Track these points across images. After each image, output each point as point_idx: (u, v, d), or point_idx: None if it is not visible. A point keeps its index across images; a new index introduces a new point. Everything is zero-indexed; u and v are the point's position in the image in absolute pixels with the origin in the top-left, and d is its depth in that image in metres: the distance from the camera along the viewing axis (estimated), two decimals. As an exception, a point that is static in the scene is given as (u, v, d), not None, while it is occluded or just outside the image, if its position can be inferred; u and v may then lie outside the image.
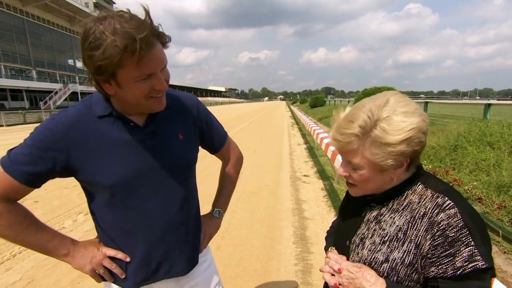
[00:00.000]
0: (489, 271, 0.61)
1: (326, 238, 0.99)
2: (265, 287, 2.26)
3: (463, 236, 0.60)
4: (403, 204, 0.71)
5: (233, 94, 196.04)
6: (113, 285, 0.92)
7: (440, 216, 0.63)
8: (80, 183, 0.87)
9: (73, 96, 36.85)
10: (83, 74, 43.09)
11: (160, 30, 0.72)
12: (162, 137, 0.87)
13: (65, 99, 34.96)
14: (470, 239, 0.60)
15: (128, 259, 0.89)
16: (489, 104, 7.61)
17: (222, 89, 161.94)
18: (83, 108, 0.81)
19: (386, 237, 0.70)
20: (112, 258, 0.89)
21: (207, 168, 5.54)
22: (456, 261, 0.60)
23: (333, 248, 0.86)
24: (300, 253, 2.72)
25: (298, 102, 64.54)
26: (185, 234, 0.95)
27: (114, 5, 53.68)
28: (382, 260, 0.69)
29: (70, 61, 43.58)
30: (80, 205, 4.02)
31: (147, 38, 0.66)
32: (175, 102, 0.92)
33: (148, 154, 0.84)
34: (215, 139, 1.07)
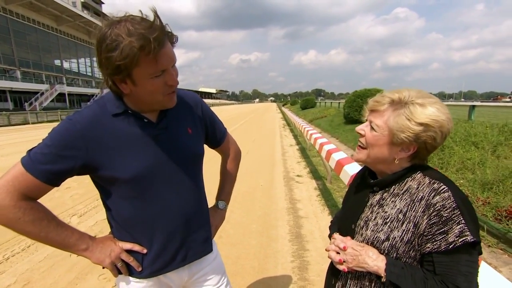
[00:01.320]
0: (477, 247, 0.70)
1: (330, 227, 1.07)
2: (263, 283, 2.31)
3: (455, 216, 0.69)
4: (403, 189, 0.79)
5: (223, 95, 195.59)
6: (131, 278, 0.96)
7: (436, 198, 0.71)
8: (95, 180, 0.90)
9: (60, 97, 36.02)
10: (70, 75, 42.07)
11: (169, 29, 0.78)
12: (174, 132, 0.93)
13: (52, 100, 34.16)
14: (461, 218, 0.68)
15: (145, 251, 0.93)
16: (474, 106, 7.91)
17: (213, 90, 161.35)
18: (98, 108, 0.85)
19: (388, 219, 0.78)
20: (128, 252, 0.93)
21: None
22: (449, 237, 0.69)
23: (337, 233, 0.93)
24: (296, 250, 2.79)
25: (289, 103, 64.98)
26: (199, 222, 1.01)
27: (102, 5, 52.77)
28: (383, 239, 0.77)
29: (57, 62, 42.48)
30: (73, 207, 3.97)
31: (159, 37, 0.72)
32: (181, 100, 0.98)
33: (163, 148, 0.89)
34: (217, 134, 1.14)
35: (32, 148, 0.80)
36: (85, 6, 44.88)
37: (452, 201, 0.70)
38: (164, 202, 0.91)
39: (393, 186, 0.81)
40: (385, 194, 0.82)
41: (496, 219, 3.09)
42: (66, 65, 42.76)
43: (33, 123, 23.40)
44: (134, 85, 0.78)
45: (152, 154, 0.88)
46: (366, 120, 0.84)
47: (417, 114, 0.72)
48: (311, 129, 7.05)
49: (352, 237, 0.86)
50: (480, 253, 0.72)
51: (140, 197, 0.89)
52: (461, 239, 0.68)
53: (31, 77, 36.63)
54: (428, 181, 0.76)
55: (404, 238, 0.75)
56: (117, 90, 0.81)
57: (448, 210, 0.69)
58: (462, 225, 0.68)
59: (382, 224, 0.79)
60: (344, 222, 0.93)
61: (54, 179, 0.80)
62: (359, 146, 0.85)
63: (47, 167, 0.78)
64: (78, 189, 4.76)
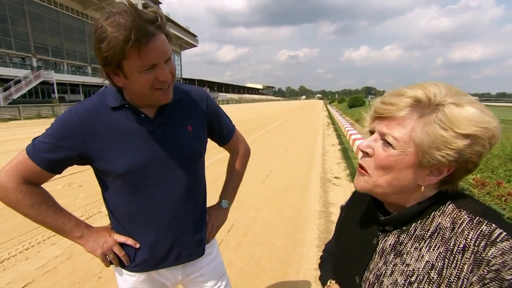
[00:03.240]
0: None
1: (321, 266, 0.86)
2: (283, 289, 2.22)
3: None
4: (429, 229, 0.56)
5: (270, 91, 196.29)
6: (124, 270, 0.98)
7: (491, 251, 0.47)
8: (94, 172, 0.92)
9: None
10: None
11: (163, 20, 0.75)
12: (171, 128, 0.91)
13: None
14: None
15: (137, 246, 0.93)
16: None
17: (260, 86, 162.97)
18: (98, 100, 0.86)
19: (413, 277, 0.54)
20: (122, 245, 0.94)
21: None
22: None
23: (333, 282, 0.73)
24: (323, 258, 2.62)
25: (336, 101, 62.48)
26: (192, 223, 0.98)
27: (160, 5, 56.68)
28: None
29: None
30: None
31: (145, 29, 0.69)
32: (185, 95, 0.96)
33: (158, 144, 0.88)
34: (224, 132, 1.10)
35: (37, 137, 0.84)
36: (144, 6, 48.74)
37: None
38: (156, 199, 0.90)
39: (414, 224, 0.57)
40: (403, 236, 0.58)
41: None
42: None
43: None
44: (126, 79, 0.77)
45: (147, 150, 0.87)
46: (373, 131, 0.59)
47: (458, 120, 0.49)
48: (351, 130, 6.62)
49: None
50: None
51: (133, 192, 0.89)
52: None
53: (99, 72, 41.20)
54: (469, 219, 0.52)
55: None
56: (112, 83, 0.81)
57: None
58: None
59: (405, 285, 0.55)
60: (343, 270, 0.70)
61: (53, 167, 0.84)
62: (362, 169, 0.60)
63: (47, 155, 0.81)
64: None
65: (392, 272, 0.57)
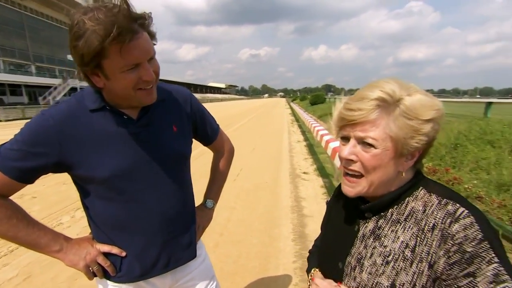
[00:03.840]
0: None
1: (309, 259, 0.89)
2: (263, 284, 2.25)
3: (483, 251, 0.51)
4: (404, 213, 0.61)
5: (233, 90, 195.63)
6: (109, 282, 0.91)
7: (455, 227, 0.53)
8: (73, 179, 0.85)
9: (73, 91, 36.33)
10: (82, 69, 42.81)
11: (146, 18, 0.71)
12: (156, 129, 0.87)
13: (65, 95, 34.73)
14: (493, 254, 0.50)
15: (123, 254, 0.88)
16: (490, 103, 7.58)
17: (222, 85, 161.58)
18: (75, 102, 0.80)
19: (390, 256, 0.59)
20: (106, 254, 0.88)
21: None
22: (478, 282, 0.50)
23: (316, 270, 0.77)
24: (299, 250, 2.71)
25: (298, 99, 64.43)
26: (182, 226, 0.95)
27: None
28: (387, 285, 0.58)
29: (70, 56, 43.06)
30: (78, 201, 3.93)
31: (128, 25, 0.65)
32: (169, 95, 0.92)
33: (143, 146, 0.84)
34: (208, 132, 1.08)
35: (3, 144, 0.75)
36: (97, 0, 45.46)
37: (477, 230, 0.52)
38: (143, 204, 0.86)
39: (390, 210, 0.63)
40: (381, 221, 0.63)
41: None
42: (78, 60, 43.57)
43: (46, 116, 23.91)
44: (106, 79, 0.72)
45: (131, 153, 0.82)
46: (346, 138, 0.62)
47: (418, 109, 0.55)
48: (317, 126, 6.91)
49: (341, 281, 0.67)
50: None
51: (117, 198, 0.83)
52: (499, 286, 0.49)
53: (45, 72, 37.52)
54: (437, 201, 0.58)
55: (417, 284, 0.55)
56: (91, 84, 0.75)
57: (473, 243, 0.51)
58: (495, 264, 0.50)
59: (382, 264, 0.60)
60: (327, 258, 0.74)
61: (24, 177, 0.76)
62: (350, 175, 0.63)
63: (17, 164, 0.73)
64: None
65: (371, 255, 0.62)
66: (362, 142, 0.59)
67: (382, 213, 0.64)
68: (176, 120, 0.93)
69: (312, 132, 7.81)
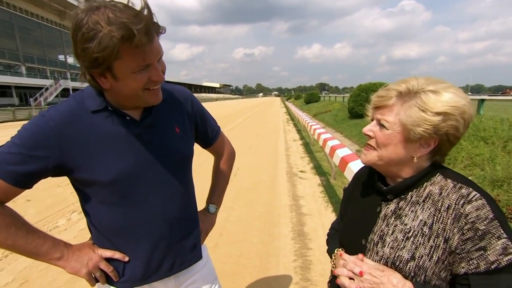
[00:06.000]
0: None
1: (328, 241, 0.95)
2: (265, 283, 2.24)
3: (493, 228, 0.58)
4: (422, 195, 0.68)
5: (227, 90, 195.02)
6: (111, 287, 0.89)
7: (467, 208, 0.61)
8: (73, 183, 0.83)
9: (65, 92, 36.13)
10: (75, 70, 42.29)
11: (155, 20, 0.69)
12: (159, 130, 0.85)
13: (56, 96, 34.29)
14: (502, 231, 0.58)
15: (126, 259, 0.86)
16: (483, 100, 7.70)
17: (217, 85, 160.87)
18: (75, 103, 0.77)
19: (410, 233, 0.67)
20: (109, 260, 0.86)
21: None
22: (488, 254, 0.58)
23: (340, 249, 0.82)
24: (299, 249, 2.72)
25: (292, 98, 64.57)
26: (186, 229, 0.93)
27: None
28: (407, 258, 0.66)
29: (61, 57, 42.60)
30: (74, 203, 3.94)
31: (146, 28, 0.64)
32: (169, 95, 0.91)
33: (146, 148, 0.82)
34: (209, 133, 1.06)
35: (0, 147, 0.72)
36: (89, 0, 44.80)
37: (488, 210, 0.59)
38: (147, 208, 0.84)
39: (410, 193, 0.70)
40: (402, 202, 0.71)
41: (507, 218, 2.98)
42: (70, 60, 42.93)
43: (38, 118, 23.50)
44: (115, 80, 0.70)
45: (134, 155, 0.80)
46: (372, 119, 0.74)
47: (431, 102, 0.62)
48: (314, 124, 6.94)
49: (364, 255, 0.74)
50: None
51: (121, 202, 0.81)
52: (507, 258, 0.57)
53: (36, 73, 36.85)
54: (452, 185, 0.65)
55: (434, 256, 0.63)
56: (96, 85, 0.73)
57: (485, 222, 0.59)
58: (504, 239, 0.58)
59: (403, 240, 0.67)
60: (350, 237, 0.81)
61: (23, 181, 0.73)
62: (368, 146, 0.74)
63: (16, 168, 0.70)
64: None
65: (393, 232, 0.70)
66: (379, 123, 0.70)
67: (402, 196, 0.71)
68: (179, 120, 0.91)
69: (308, 130, 7.84)
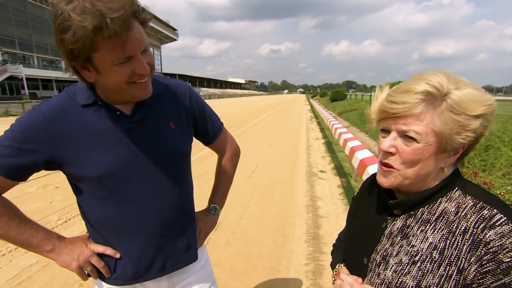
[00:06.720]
0: None
1: (333, 253, 0.88)
2: (273, 286, 2.18)
3: None
4: (435, 213, 0.59)
5: (252, 86, 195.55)
6: (103, 283, 0.89)
7: (489, 233, 0.51)
8: (66, 177, 0.82)
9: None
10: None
11: (139, 6, 0.65)
12: (151, 126, 0.82)
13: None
14: None
15: (118, 256, 0.85)
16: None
17: (242, 81, 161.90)
18: (66, 97, 0.76)
19: (417, 256, 0.58)
20: (101, 255, 0.85)
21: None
22: None
23: (342, 265, 0.75)
24: (312, 252, 2.62)
25: (318, 95, 63.28)
26: (179, 229, 0.90)
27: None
28: (412, 286, 0.57)
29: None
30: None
31: (122, 17, 0.59)
32: (166, 89, 0.87)
33: (137, 144, 0.79)
34: (209, 130, 1.00)
35: None
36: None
37: None
38: (137, 205, 0.81)
39: (421, 209, 0.61)
40: (410, 220, 0.62)
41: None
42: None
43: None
44: (97, 73, 0.67)
45: (123, 151, 0.77)
46: (387, 131, 0.60)
47: (467, 104, 0.53)
48: (336, 123, 6.71)
49: (364, 276, 0.66)
50: None
51: (110, 198, 0.79)
52: None
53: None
54: (472, 203, 0.55)
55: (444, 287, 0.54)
56: (81, 78, 0.71)
57: (511, 254, 0.49)
58: None
59: (408, 264, 0.58)
60: (352, 254, 0.73)
61: (16, 174, 0.73)
62: (386, 165, 0.62)
63: (7, 160, 0.71)
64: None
65: (398, 253, 0.61)
66: (404, 135, 0.57)
67: (412, 212, 0.62)
68: (174, 115, 0.87)
69: (330, 129, 7.61)
